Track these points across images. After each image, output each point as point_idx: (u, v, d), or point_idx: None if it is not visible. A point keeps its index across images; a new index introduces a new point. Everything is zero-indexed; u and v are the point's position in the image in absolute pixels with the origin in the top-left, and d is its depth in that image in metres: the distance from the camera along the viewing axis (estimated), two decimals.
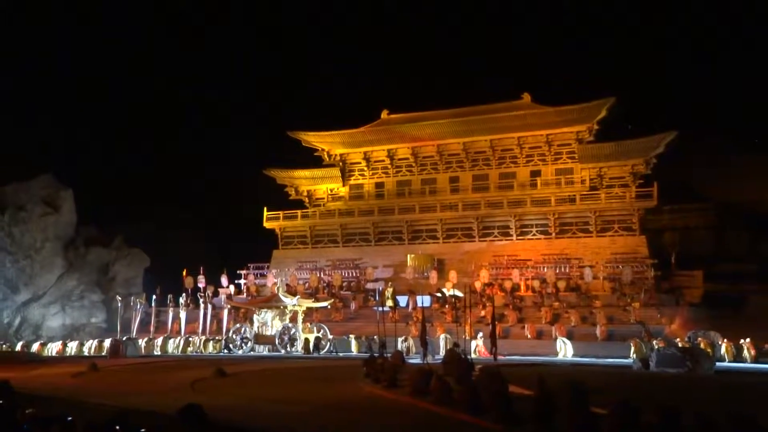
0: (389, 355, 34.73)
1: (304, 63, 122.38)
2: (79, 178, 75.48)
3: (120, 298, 60.88)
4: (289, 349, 50.28)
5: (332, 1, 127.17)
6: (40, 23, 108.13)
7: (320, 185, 79.42)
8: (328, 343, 50.61)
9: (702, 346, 41.26)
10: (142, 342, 52.37)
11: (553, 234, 66.72)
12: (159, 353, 52.08)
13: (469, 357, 30.55)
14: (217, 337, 55.54)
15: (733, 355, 43.12)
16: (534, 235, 67.51)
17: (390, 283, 61.95)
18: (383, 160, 76.49)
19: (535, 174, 70.82)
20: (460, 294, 50.37)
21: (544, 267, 62.67)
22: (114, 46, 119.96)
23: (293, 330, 51.15)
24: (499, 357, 42.34)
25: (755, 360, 42.37)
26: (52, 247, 67.84)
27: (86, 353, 52.24)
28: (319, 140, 76.95)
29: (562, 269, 62.07)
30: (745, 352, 43.11)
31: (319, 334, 51.21)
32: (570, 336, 48.84)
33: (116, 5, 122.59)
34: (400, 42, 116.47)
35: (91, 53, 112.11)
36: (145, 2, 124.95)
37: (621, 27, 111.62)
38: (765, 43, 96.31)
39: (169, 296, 62.44)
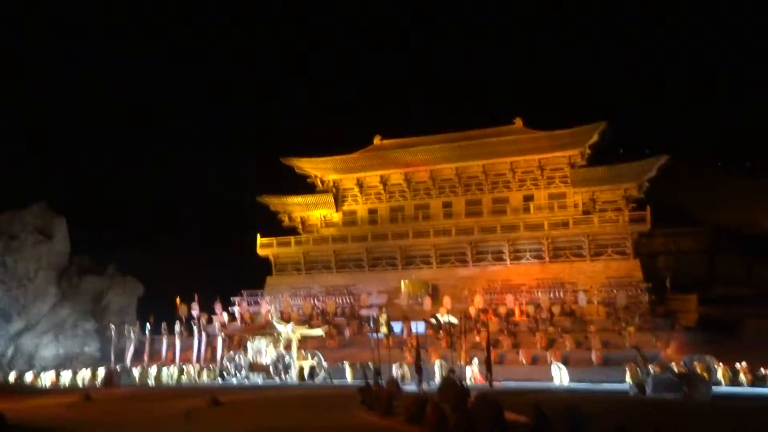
0: (384, 382, 34.53)
1: (298, 90, 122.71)
2: (72, 206, 75.29)
3: (113, 327, 60.54)
4: (283, 377, 50.01)
5: (329, 28, 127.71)
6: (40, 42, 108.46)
7: (314, 211, 79.29)
8: (323, 371, 50.37)
9: (698, 370, 41.21)
10: (136, 371, 52.07)
11: (547, 258, 66.65)
12: (153, 382, 51.78)
13: (464, 383, 30.40)
14: (211, 366, 55.25)
15: (729, 379, 43.04)
16: (528, 259, 67.45)
17: (384, 309, 61.68)
18: (376, 186, 76.51)
19: (528, 198, 70.88)
20: (454, 320, 50.21)
21: (538, 292, 62.55)
22: (111, 71, 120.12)
23: (287, 358, 50.90)
24: (495, 383, 42.13)
25: (751, 384, 42.30)
26: (46, 276, 67.53)
27: (80, 383, 51.85)
28: (312, 166, 77.03)
29: (557, 294, 61.94)
30: (742, 376, 43.05)
31: (314, 362, 50.98)
32: (565, 361, 48.71)
33: (116, 32, 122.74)
34: (393, 68, 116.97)
35: (87, 78, 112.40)
36: (144, 30, 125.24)
37: (612, 53, 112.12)
38: (757, 70, 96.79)
39: (163, 324, 62.19)
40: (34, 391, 48.12)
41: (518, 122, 72.81)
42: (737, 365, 43.61)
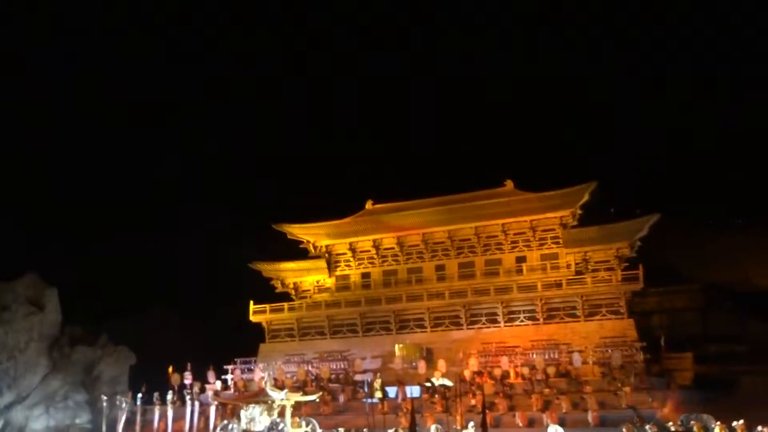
0: None
1: (289, 155, 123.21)
2: (64, 276, 75.00)
3: (105, 398, 59.90)
4: None
5: (313, 89, 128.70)
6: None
7: (306, 277, 79.21)
8: None
9: (695, 429, 40.92)
10: None
11: (541, 319, 66.44)
12: None
13: None
14: None
15: None
16: (522, 321, 67.22)
17: (378, 374, 61.46)
18: (369, 251, 76.55)
19: (521, 260, 70.91)
20: (449, 383, 50.06)
21: (533, 353, 62.18)
22: (99, 141, 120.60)
23: (281, 425, 50.26)
24: None
25: None
26: (37, 348, 66.97)
27: None
28: (304, 232, 77.19)
29: (551, 355, 61.58)
30: None
31: (308, 429, 50.43)
32: (562, 423, 48.37)
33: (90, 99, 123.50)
34: (383, 133, 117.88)
35: (76, 145, 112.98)
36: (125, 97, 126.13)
37: (601, 112, 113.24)
38: (745, 126, 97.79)
39: (155, 394, 61.55)
40: None
41: (509, 184, 73.19)
42: (734, 424, 43.27)
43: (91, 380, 69.56)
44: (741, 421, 43.36)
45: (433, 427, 46.76)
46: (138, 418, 59.25)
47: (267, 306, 76.01)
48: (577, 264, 69.12)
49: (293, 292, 79.50)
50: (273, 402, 51.27)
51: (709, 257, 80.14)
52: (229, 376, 70.11)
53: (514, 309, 67.76)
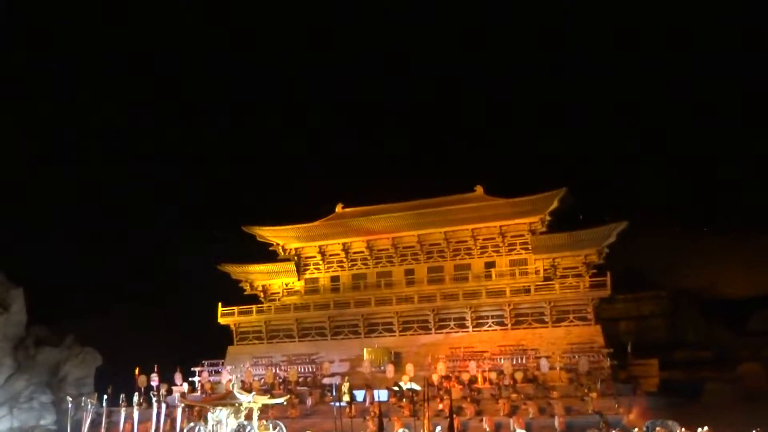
0: None
1: (260, 158, 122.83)
2: (30, 275, 74.22)
3: (70, 399, 59.29)
4: None
5: (287, 89, 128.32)
6: None
7: (275, 280, 78.94)
8: None
9: None
10: None
11: (509, 325, 66.64)
12: None
13: None
14: None
15: None
16: (490, 326, 67.40)
17: (346, 377, 61.43)
18: (338, 254, 76.46)
19: (490, 265, 71.09)
20: (417, 387, 50.01)
21: (500, 358, 62.43)
22: (70, 145, 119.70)
23: (248, 428, 49.87)
24: None
25: None
26: (1, 348, 66.19)
27: None
28: (274, 235, 76.95)
29: (519, 360, 61.83)
30: None
31: None
32: (528, 428, 48.65)
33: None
34: (355, 136, 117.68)
35: (50, 150, 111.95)
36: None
37: (573, 119, 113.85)
38: (714, 135, 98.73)
39: (122, 396, 60.96)
40: None
41: (479, 190, 73.29)
42: (699, 429, 43.66)
43: (56, 381, 68.94)
44: (705, 428, 43.79)
45: (400, 431, 46.73)
46: (103, 420, 58.63)
47: (235, 308, 75.66)
48: (545, 270, 69.43)
49: (262, 294, 79.22)
50: (240, 405, 50.86)
51: (677, 265, 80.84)
52: (196, 378, 69.85)
53: (482, 314, 67.95)
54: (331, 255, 76.98)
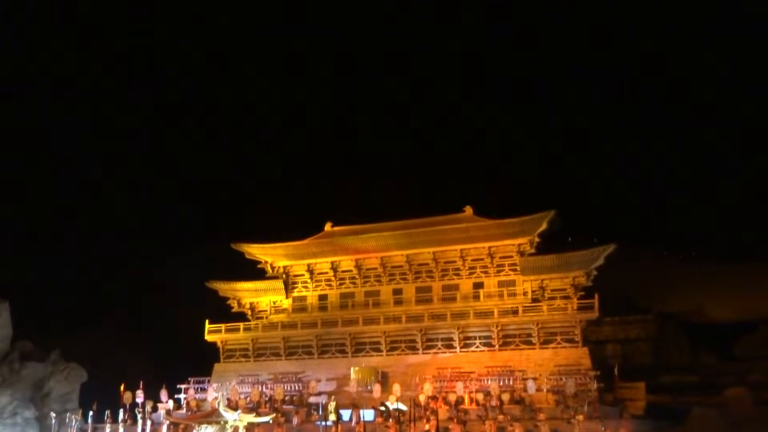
0: None
1: (250, 176, 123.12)
2: (17, 289, 73.92)
3: (54, 415, 59.12)
4: None
5: (284, 119, 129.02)
6: None
7: (263, 297, 78.80)
8: None
9: None
10: None
11: (497, 346, 66.59)
12: None
13: None
14: None
15: None
16: (477, 347, 67.33)
17: (333, 396, 61.26)
18: (327, 272, 76.39)
19: (478, 286, 71.16)
20: (404, 407, 50.02)
21: (488, 379, 62.28)
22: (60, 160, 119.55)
23: None
24: None
25: None
26: None
27: None
28: (262, 252, 76.85)
29: (506, 381, 61.69)
30: None
31: None
32: None
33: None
34: (345, 155, 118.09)
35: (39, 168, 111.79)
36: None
37: (561, 142, 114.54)
38: (702, 162, 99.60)
39: (107, 412, 60.84)
40: None
41: (468, 210, 73.42)
42: None
43: (40, 397, 68.44)
44: None
45: None
46: None
47: (222, 326, 75.41)
48: (533, 291, 69.50)
49: (249, 312, 79.03)
50: (226, 422, 50.91)
51: (664, 288, 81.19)
52: (182, 396, 69.43)
53: (470, 335, 67.87)
54: (319, 273, 76.90)
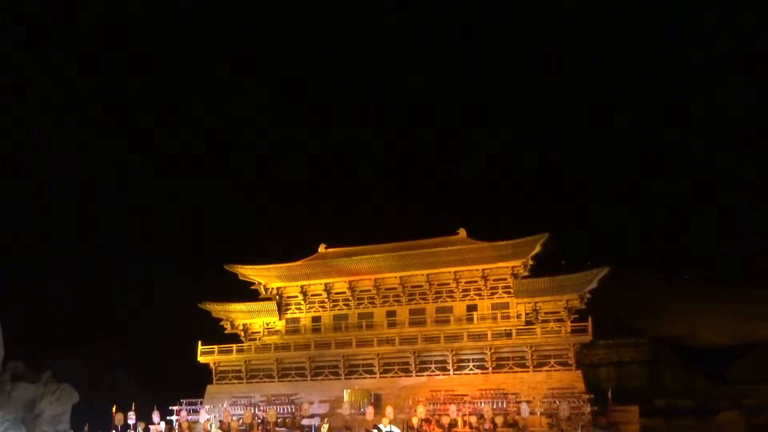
0: None
1: (243, 197, 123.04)
2: (9, 310, 73.59)
3: None
4: None
5: (277, 141, 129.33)
6: None
7: (256, 319, 78.63)
8: None
9: None
10: None
11: (490, 369, 66.42)
12: None
13: None
14: None
15: None
16: (471, 369, 67.16)
17: (326, 419, 61.17)
18: (320, 294, 76.27)
19: (472, 308, 71.06)
20: (397, 430, 49.79)
21: (481, 402, 62.09)
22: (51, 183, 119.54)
23: None
24: None
25: None
26: None
27: None
28: (255, 273, 76.70)
29: (500, 404, 61.52)
30: None
31: None
32: None
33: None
34: (338, 177, 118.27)
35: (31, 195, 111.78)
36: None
37: (557, 165, 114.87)
38: (694, 183, 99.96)
39: None
40: None
41: (462, 232, 73.40)
42: None
43: (31, 418, 67.92)
44: None
45: None
46: None
47: (215, 347, 75.11)
48: (527, 314, 69.43)
49: (242, 333, 78.81)
50: None
51: (658, 312, 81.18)
52: (174, 417, 69.12)
53: (463, 357, 67.73)
54: (312, 295, 76.77)
